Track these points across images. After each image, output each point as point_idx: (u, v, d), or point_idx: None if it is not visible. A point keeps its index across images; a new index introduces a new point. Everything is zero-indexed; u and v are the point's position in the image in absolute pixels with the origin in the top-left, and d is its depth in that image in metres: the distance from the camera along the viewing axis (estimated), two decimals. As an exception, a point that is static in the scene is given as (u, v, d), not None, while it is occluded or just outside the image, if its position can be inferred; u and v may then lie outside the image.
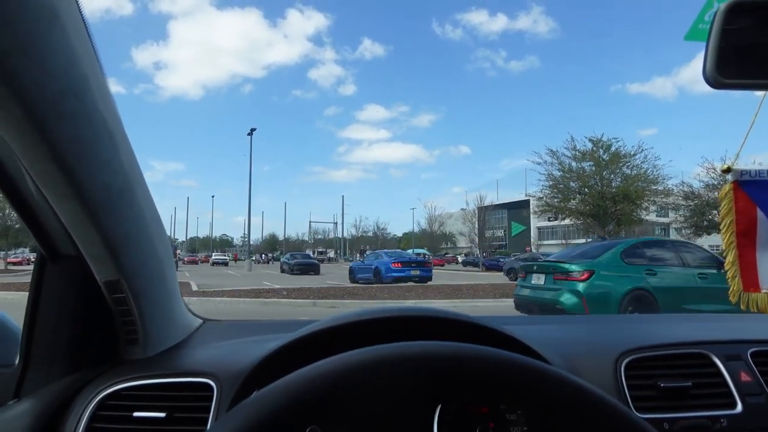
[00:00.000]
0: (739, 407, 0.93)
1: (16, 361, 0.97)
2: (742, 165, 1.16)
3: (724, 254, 1.19)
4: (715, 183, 19.06)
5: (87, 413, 0.88)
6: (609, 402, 0.52)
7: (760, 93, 1.08)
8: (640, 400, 0.92)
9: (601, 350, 1.00)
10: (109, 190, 0.77)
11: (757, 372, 0.98)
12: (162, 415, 0.87)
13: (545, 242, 60.96)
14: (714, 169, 19.22)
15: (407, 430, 0.81)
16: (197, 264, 51.35)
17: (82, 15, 0.66)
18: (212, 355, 1.03)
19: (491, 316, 1.31)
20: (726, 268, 1.18)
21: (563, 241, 54.12)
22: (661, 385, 0.93)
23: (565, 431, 0.54)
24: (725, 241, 1.16)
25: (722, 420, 0.91)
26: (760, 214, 1.12)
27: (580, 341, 1.07)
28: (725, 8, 0.76)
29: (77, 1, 0.64)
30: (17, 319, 1.01)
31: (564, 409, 0.52)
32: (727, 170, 1.14)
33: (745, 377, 0.97)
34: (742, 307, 1.17)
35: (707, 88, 0.77)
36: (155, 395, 0.91)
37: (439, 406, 0.83)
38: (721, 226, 1.16)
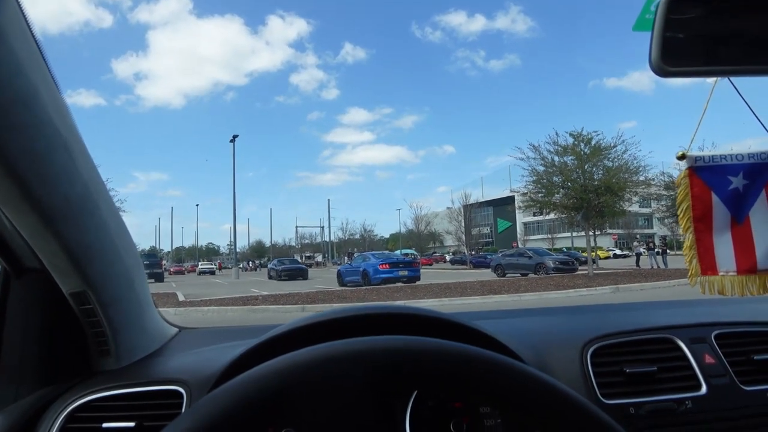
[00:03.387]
0: (704, 389, 0.95)
1: None
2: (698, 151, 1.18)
3: (682, 239, 1.21)
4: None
5: (56, 426, 0.87)
6: (558, 387, 0.53)
7: (710, 80, 1.11)
8: (606, 386, 0.94)
9: (568, 339, 1.01)
10: (68, 201, 0.77)
11: (720, 353, 1.00)
12: (132, 424, 0.86)
13: (532, 237, 61.44)
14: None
15: (377, 426, 0.82)
16: (184, 274, 50.85)
17: (28, 25, 0.65)
18: (184, 362, 1.02)
19: (462, 312, 1.32)
20: (684, 253, 1.20)
21: (549, 236, 54.59)
22: (627, 370, 0.95)
23: (522, 420, 0.55)
24: (683, 226, 1.18)
25: (687, 402, 0.93)
26: (715, 198, 1.15)
27: (547, 332, 1.08)
28: None
29: (23, 12, 0.64)
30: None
31: (513, 397, 0.53)
32: (682, 157, 1.17)
33: (709, 359, 0.99)
34: (700, 290, 1.19)
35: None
36: (125, 405, 0.90)
37: (411, 402, 0.84)
38: (678, 212, 1.18)
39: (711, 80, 1.12)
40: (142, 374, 0.98)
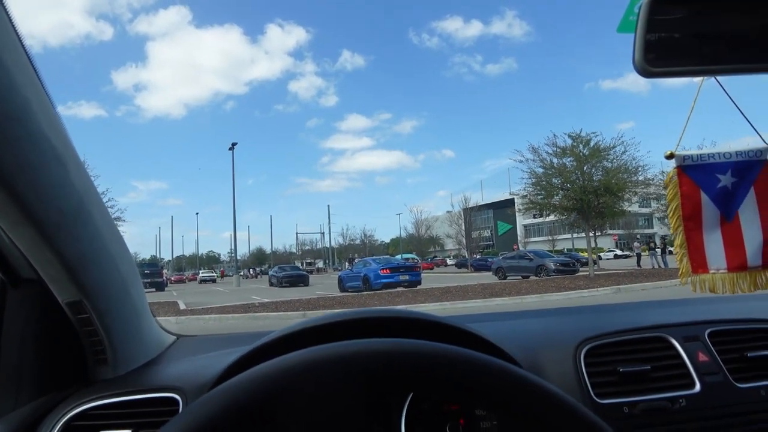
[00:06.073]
0: (698, 387, 0.95)
1: None
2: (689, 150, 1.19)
3: (673, 238, 1.22)
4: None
5: None
6: (546, 388, 0.54)
7: (698, 80, 1.12)
8: (600, 386, 0.94)
9: (561, 340, 1.02)
10: (62, 212, 0.77)
11: (714, 351, 1.01)
12: None
13: (532, 239, 61.38)
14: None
15: (371, 429, 0.82)
16: (185, 282, 50.85)
17: (21, 42, 0.66)
18: (180, 370, 1.03)
19: (456, 315, 1.32)
20: (674, 251, 1.21)
21: (550, 238, 54.54)
22: (621, 370, 0.95)
23: (514, 421, 0.55)
24: (672, 225, 1.19)
25: (681, 400, 0.93)
26: (704, 197, 1.15)
27: (541, 333, 1.08)
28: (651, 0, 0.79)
29: (15, 29, 0.65)
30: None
31: (496, 396, 0.53)
32: (671, 156, 1.17)
33: (702, 357, 0.99)
34: (692, 288, 1.20)
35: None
36: (122, 413, 0.91)
37: (407, 405, 0.84)
38: (668, 211, 1.19)
39: (699, 80, 1.13)
40: (139, 382, 0.99)
